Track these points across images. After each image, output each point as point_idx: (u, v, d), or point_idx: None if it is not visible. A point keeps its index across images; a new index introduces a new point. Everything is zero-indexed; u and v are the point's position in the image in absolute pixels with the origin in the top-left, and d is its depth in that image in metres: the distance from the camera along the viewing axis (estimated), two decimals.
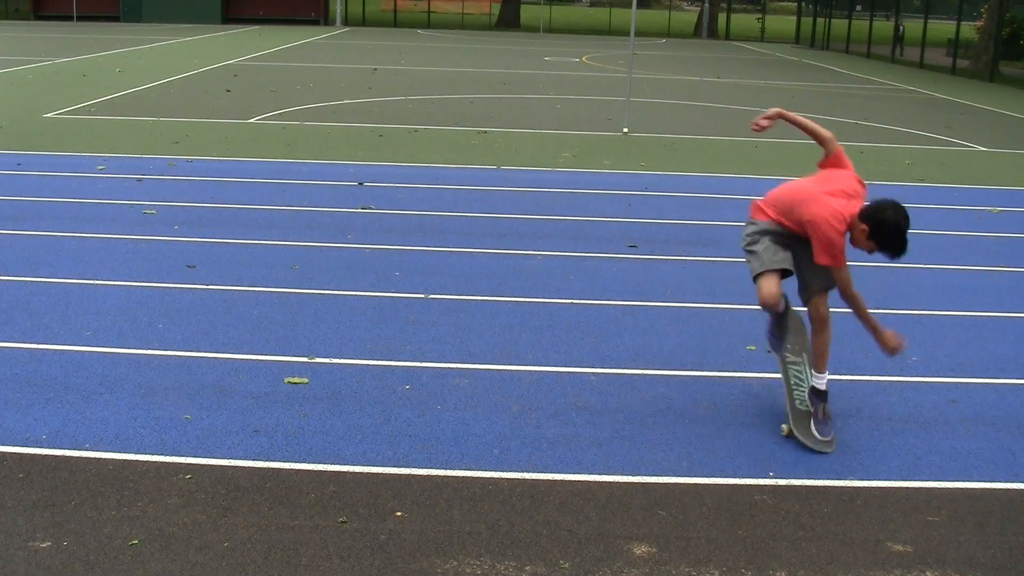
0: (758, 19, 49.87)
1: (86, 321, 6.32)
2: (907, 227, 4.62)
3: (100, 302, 6.70)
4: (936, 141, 15.53)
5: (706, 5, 48.41)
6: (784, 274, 4.92)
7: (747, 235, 5.04)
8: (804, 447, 4.88)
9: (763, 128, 5.06)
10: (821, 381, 4.94)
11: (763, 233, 4.97)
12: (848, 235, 4.71)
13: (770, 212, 4.98)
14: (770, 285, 4.86)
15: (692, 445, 4.87)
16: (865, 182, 4.98)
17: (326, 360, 5.78)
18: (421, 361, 5.82)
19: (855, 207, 4.72)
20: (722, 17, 49.02)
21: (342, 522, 4.08)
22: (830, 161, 5.01)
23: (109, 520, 4.03)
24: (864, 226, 4.63)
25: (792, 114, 5.12)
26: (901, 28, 34.54)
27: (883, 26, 36.58)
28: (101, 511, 4.09)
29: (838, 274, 4.75)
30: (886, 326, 4.93)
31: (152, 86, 19.34)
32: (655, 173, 11.92)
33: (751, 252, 4.97)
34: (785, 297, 5.01)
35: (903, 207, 4.64)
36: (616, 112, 16.83)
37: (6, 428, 4.80)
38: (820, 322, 4.88)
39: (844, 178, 4.89)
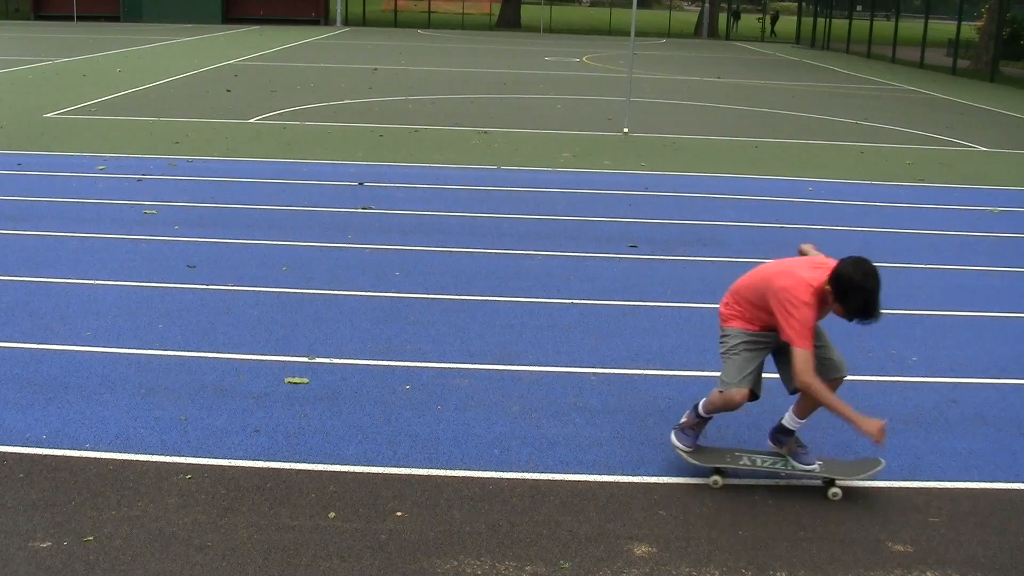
0: (758, 19, 49.89)
1: (86, 321, 6.32)
2: (872, 284, 4.07)
3: (100, 302, 6.70)
4: (936, 141, 15.53)
5: (706, 5, 48.42)
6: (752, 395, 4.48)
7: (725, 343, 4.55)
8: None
9: None
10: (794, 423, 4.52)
11: (739, 343, 4.48)
12: (821, 307, 4.24)
13: (742, 311, 4.49)
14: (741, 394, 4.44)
15: None
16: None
17: (326, 360, 5.78)
18: (421, 361, 5.82)
19: (824, 276, 4.22)
20: (722, 17, 49.04)
21: (342, 522, 4.08)
22: None
23: (109, 520, 4.03)
24: (829, 287, 4.16)
25: None
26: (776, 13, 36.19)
27: (883, 26, 36.61)
28: (101, 511, 4.09)
29: (796, 353, 4.18)
30: (867, 413, 4.40)
31: (152, 86, 19.33)
32: (655, 173, 11.92)
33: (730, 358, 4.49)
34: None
35: (867, 261, 4.14)
36: (616, 112, 16.82)
37: (6, 428, 4.80)
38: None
39: (813, 259, 4.45)
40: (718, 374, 5.78)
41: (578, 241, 8.66)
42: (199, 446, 4.69)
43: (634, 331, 6.47)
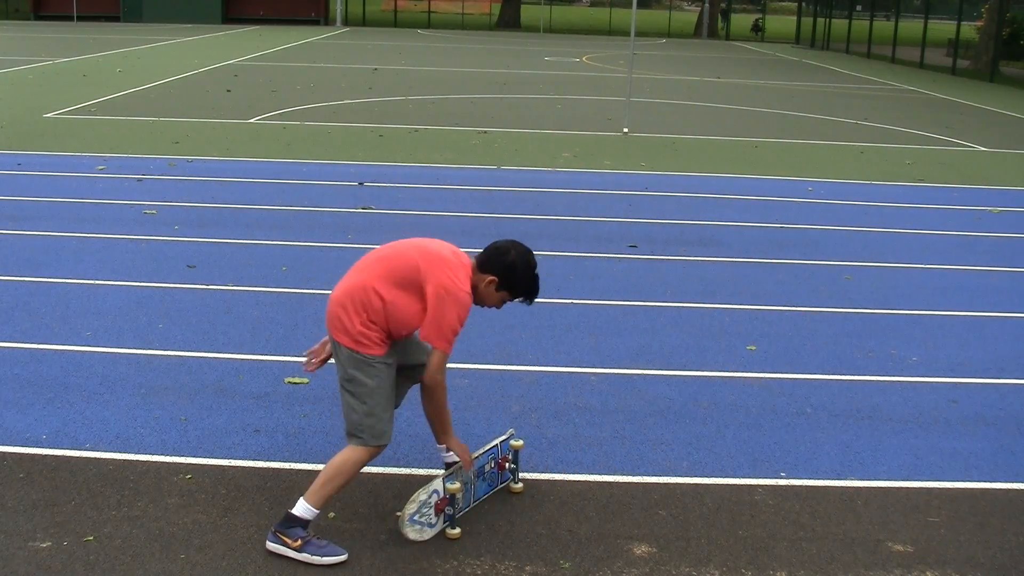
0: (758, 19, 49.89)
1: (86, 321, 6.32)
2: (535, 263, 3.95)
3: (100, 302, 6.70)
4: (936, 141, 15.54)
5: (706, 5, 48.41)
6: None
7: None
8: (804, 447, 4.88)
9: None
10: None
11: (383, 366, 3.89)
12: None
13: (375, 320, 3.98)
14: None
15: (692, 445, 4.87)
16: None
17: None
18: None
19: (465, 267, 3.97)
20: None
21: (342, 522, 4.08)
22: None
23: (109, 520, 4.03)
24: (492, 277, 3.91)
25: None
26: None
27: (882, 26, 36.63)
28: (101, 511, 4.09)
29: (439, 356, 3.84)
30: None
31: (152, 86, 19.33)
32: (655, 173, 11.92)
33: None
34: None
35: (519, 243, 4.01)
36: (616, 112, 16.83)
37: (6, 428, 4.80)
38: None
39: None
40: (717, 374, 5.81)
41: (578, 241, 8.66)
42: (199, 446, 4.69)
43: (634, 331, 6.47)
